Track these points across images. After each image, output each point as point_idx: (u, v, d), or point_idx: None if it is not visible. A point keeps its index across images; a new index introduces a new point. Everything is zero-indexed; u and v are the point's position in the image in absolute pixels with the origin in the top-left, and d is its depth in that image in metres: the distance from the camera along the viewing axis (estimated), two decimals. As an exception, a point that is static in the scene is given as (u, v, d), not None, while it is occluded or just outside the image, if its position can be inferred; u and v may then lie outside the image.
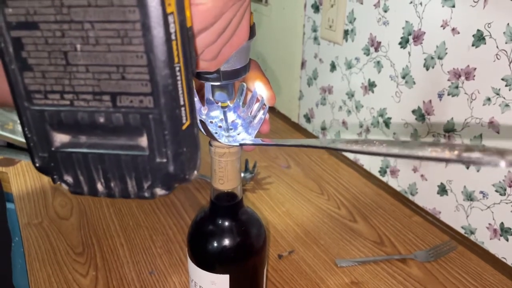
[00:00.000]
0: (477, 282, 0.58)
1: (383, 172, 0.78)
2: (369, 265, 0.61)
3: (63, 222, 0.68)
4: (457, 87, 0.60)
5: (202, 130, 0.34)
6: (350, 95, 0.81)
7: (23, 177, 0.79)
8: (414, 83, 0.67)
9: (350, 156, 0.85)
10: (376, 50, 0.72)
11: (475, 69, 0.58)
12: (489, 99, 0.57)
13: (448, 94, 0.62)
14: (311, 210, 0.72)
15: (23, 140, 0.87)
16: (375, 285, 0.57)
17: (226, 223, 0.37)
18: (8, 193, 0.82)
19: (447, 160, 0.22)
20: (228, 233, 0.37)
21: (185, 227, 0.68)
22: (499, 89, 0.55)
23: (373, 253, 0.63)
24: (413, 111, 0.68)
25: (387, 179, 0.77)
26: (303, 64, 0.92)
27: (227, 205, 0.37)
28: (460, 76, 0.60)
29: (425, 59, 0.64)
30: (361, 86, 0.78)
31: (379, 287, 0.57)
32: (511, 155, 0.19)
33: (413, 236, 0.66)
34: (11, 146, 0.93)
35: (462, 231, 0.65)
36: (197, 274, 0.38)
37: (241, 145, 0.34)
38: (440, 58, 0.62)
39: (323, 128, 0.91)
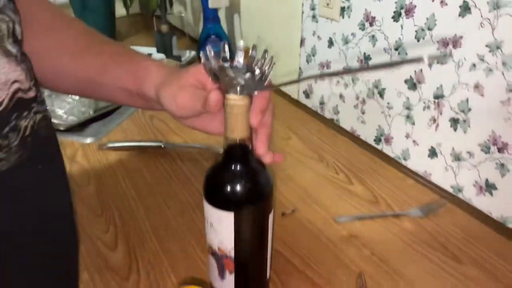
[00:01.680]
0: (465, 233, 0.63)
1: (378, 140, 0.83)
2: (365, 221, 0.66)
3: (82, 189, 0.74)
4: (445, 55, 0.65)
5: (215, 80, 0.39)
6: (347, 69, 0.86)
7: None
8: (406, 54, 0.72)
9: (347, 127, 0.90)
10: (371, 25, 0.77)
11: (461, 37, 0.62)
12: (474, 65, 0.62)
13: (438, 63, 0.67)
14: (311, 175, 0.78)
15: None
16: (371, 237, 0.63)
17: (235, 167, 0.43)
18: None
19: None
20: (236, 175, 0.43)
21: (196, 193, 0.73)
22: (484, 55, 0.60)
23: (369, 211, 0.68)
24: (406, 81, 0.73)
25: (382, 147, 0.82)
26: (302, 42, 0.97)
27: (237, 153, 0.42)
28: (448, 44, 0.65)
29: (416, 31, 0.69)
30: (357, 60, 0.83)
31: (375, 239, 0.63)
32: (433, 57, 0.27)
33: (406, 196, 0.72)
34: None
35: (451, 190, 0.70)
36: (208, 210, 0.43)
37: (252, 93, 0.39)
38: (430, 29, 0.67)
39: (322, 103, 0.96)
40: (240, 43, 0.41)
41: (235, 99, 0.39)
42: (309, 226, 0.65)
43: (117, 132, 0.92)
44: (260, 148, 0.44)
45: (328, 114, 0.95)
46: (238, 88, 0.39)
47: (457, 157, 0.68)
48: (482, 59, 0.60)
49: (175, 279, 0.56)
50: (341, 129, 0.92)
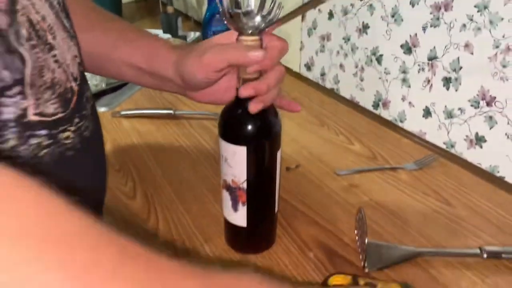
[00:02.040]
0: (457, 182, 0.69)
1: (376, 105, 0.88)
2: (364, 173, 0.71)
3: (99, 149, 0.79)
4: (438, 18, 0.70)
5: (230, 24, 0.44)
6: (347, 39, 0.91)
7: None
8: (402, 20, 0.77)
9: (347, 95, 0.95)
10: (369, -6, 0.82)
11: (452, 0, 0.67)
12: (464, 25, 0.67)
13: (431, 26, 0.72)
14: (313, 138, 0.83)
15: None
16: (369, 187, 0.68)
17: (247, 105, 0.47)
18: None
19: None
20: (248, 113, 0.47)
21: (206, 152, 0.78)
22: (472, 15, 0.65)
23: (367, 165, 0.74)
24: (401, 46, 0.78)
25: (380, 111, 0.87)
26: (303, 16, 1.02)
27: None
28: (440, 8, 0.69)
29: (410, -2, 0.74)
30: (356, 29, 0.87)
31: (373, 188, 0.68)
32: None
33: (402, 153, 0.77)
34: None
35: (444, 146, 0.76)
36: (223, 146, 0.48)
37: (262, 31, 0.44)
38: (423, -6, 0.72)
39: (323, 74, 1.01)
40: None
41: (247, 39, 0.44)
42: (312, 178, 0.71)
43: (129, 103, 0.97)
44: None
45: (328, 85, 1.00)
46: (250, 31, 0.44)
47: (449, 115, 0.73)
48: (471, 19, 0.65)
49: (190, 219, 0.61)
50: (341, 98, 0.97)
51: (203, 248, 0.56)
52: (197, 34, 1.37)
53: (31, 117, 0.35)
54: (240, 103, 0.48)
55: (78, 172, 0.42)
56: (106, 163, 0.51)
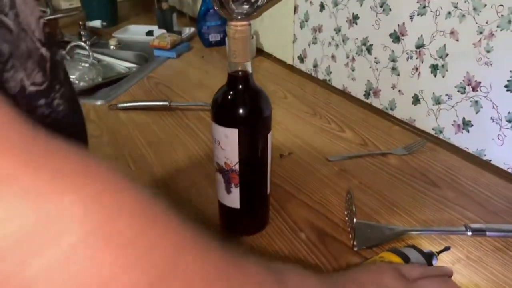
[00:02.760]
0: (444, 166, 0.71)
1: (367, 94, 0.90)
2: (355, 159, 0.73)
3: (95, 140, 0.81)
4: (424, 7, 0.72)
5: (220, 10, 0.46)
6: (337, 30, 0.92)
7: (56, 111, 0.91)
8: (390, 9, 0.79)
9: (339, 86, 0.97)
10: (358, -15, 0.84)
11: (437, -11, 0.69)
12: (449, 12, 0.68)
13: (418, 15, 0.74)
14: (305, 126, 0.85)
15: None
16: (360, 172, 0.70)
17: (238, 89, 0.49)
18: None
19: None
20: (239, 96, 0.49)
21: (201, 142, 0.80)
22: (457, 3, 0.67)
23: (358, 151, 0.76)
24: (390, 35, 0.80)
25: (371, 100, 0.89)
26: (295, 9, 1.03)
27: (239, 76, 0.49)
28: (426, -3, 0.71)
29: (398, -13, 0.76)
30: (346, 20, 0.89)
31: (363, 173, 0.70)
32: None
33: (392, 139, 0.79)
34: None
35: (432, 132, 0.78)
36: (215, 130, 0.50)
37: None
38: (410, -16, 0.74)
39: (315, 66, 1.03)
40: None
41: (236, 25, 0.46)
42: (304, 164, 0.72)
43: (125, 96, 0.99)
44: None
45: (321, 76, 1.02)
46: (239, 17, 0.46)
47: (437, 101, 0.75)
48: (456, 6, 0.67)
49: (186, 205, 0.63)
50: (333, 88, 0.98)
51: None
52: (192, 29, 1.38)
53: (29, 88, 0.34)
54: (231, 87, 0.50)
55: (72, 137, 0.42)
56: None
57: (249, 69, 0.49)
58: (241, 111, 0.49)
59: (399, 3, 0.77)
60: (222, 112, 0.50)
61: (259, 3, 0.47)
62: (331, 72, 0.98)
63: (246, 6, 0.46)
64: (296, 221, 0.59)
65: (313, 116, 0.88)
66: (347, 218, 0.59)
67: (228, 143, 0.50)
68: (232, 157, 0.51)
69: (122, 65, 1.25)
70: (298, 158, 0.74)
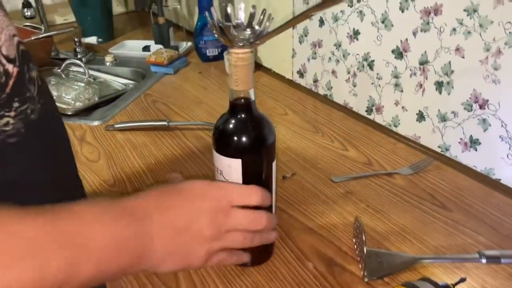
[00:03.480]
0: (452, 186, 0.69)
1: (369, 110, 0.88)
2: (360, 180, 0.71)
3: (93, 164, 0.78)
4: (428, 23, 0.71)
5: (220, 37, 0.44)
6: (338, 45, 0.91)
7: (51, 133, 0.89)
8: (392, 25, 0.77)
9: (340, 101, 0.95)
10: (359, 1, 0.82)
11: (442, 5, 0.68)
12: (454, 29, 0.67)
13: (421, 31, 0.72)
14: (307, 144, 0.82)
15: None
16: (366, 193, 0.68)
17: (240, 118, 0.47)
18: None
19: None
20: (241, 124, 0.47)
21: (201, 163, 0.78)
22: (462, 19, 0.65)
23: (363, 171, 0.73)
24: (392, 51, 0.78)
25: (373, 116, 0.87)
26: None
27: (242, 103, 0.47)
28: (430, 13, 0.70)
29: (400, 3, 0.74)
30: (347, 35, 0.88)
31: (369, 195, 0.68)
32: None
33: (397, 157, 0.77)
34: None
35: (438, 150, 0.76)
36: (218, 160, 0.48)
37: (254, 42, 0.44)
38: (412, 0, 0.72)
39: (315, 80, 1.01)
40: (242, 5, 0.46)
41: (238, 53, 0.44)
42: (308, 186, 0.70)
43: (122, 115, 0.97)
44: None
45: (321, 91, 1.00)
46: (241, 43, 0.44)
47: (443, 118, 0.73)
48: (461, 23, 0.66)
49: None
50: (334, 104, 0.97)
51: (200, 261, 0.56)
52: (189, 44, 1.37)
53: None
54: (233, 115, 0.48)
55: (28, 158, 0.40)
56: (68, 143, 0.49)
57: (252, 96, 0.47)
58: (244, 140, 0.47)
59: (401, 19, 0.75)
60: (225, 141, 0.48)
61: (262, 28, 0.45)
62: (331, 87, 0.97)
63: (248, 33, 0.44)
64: (303, 249, 0.57)
65: (315, 134, 0.86)
66: (355, 246, 0.56)
67: (231, 173, 0.48)
68: None
69: (118, 82, 1.23)
70: (302, 179, 0.72)
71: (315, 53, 0.98)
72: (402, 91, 0.79)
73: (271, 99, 1.02)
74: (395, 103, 0.82)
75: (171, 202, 0.42)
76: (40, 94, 0.41)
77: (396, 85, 0.80)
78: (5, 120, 0.36)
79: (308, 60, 1.01)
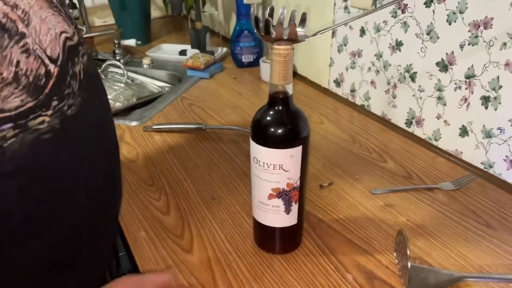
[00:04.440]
0: (496, 204, 0.66)
1: (409, 123, 0.87)
2: (400, 193, 0.70)
3: (131, 163, 0.79)
4: (476, 36, 0.69)
5: (262, 34, 0.45)
6: (379, 55, 0.90)
7: (91, 131, 0.91)
8: (438, 37, 0.76)
9: (378, 112, 0.94)
10: (403, 12, 0.81)
11: (492, 18, 0.66)
12: (505, 43, 0.65)
13: (469, 44, 0.71)
14: (345, 154, 0.82)
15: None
16: (406, 207, 0.67)
17: (288, 110, 0.50)
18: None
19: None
20: (294, 115, 0.50)
21: (237, 167, 0.78)
22: (514, 34, 0.64)
23: (403, 184, 0.72)
24: (437, 63, 0.77)
25: (413, 129, 0.86)
26: (333, 33, 1.01)
27: (287, 97, 0.49)
28: (479, 26, 0.68)
29: (447, 15, 0.73)
30: (388, 46, 0.87)
31: (409, 208, 0.66)
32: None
33: (438, 172, 0.75)
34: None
35: (481, 167, 0.74)
36: (278, 155, 0.49)
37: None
38: (461, 12, 0.71)
39: (353, 90, 1.00)
40: (284, 9, 0.47)
41: (280, 48, 0.45)
42: (346, 196, 0.69)
43: (159, 117, 0.98)
44: None
45: (359, 101, 0.99)
46: (285, 38, 0.46)
47: (488, 134, 0.71)
48: (512, 37, 0.64)
49: (223, 236, 0.61)
50: (372, 114, 0.95)
51: (238, 267, 0.56)
52: (224, 49, 1.38)
53: None
54: (282, 109, 0.50)
55: (65, 152, 0.40)
56: (114, 136, 0.49)
57: (290, 91, 0.49)
58: (300, 128, 0.50)
59: (448, 32, 0.74)
60: (287, 135, 0.50)
61: (305, 25, 0.46)
62: (369, 98, 0.96)
63: (290, 29, 0.46)
64: (342, 260, 0.56)
65: (353, 144, 0.85)
66: (397, 260, 0.55)
67: (292, 163, 0.50)
68: (295, 175, 0.51)
69: (154, 84, 1.25)
70: (339, 189, 0.71)
71: (354, 62, 0.97)
72: (445, 105, 0.78)
73: (306, 107, 1.01)
74: (436, 117, 0.80)
75: None
76: (81, 88, 0.41)
77: (439, 98, 0.78)
78: (40, 119, 0.37)
79: (346, 69, 1.00)
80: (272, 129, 0.49)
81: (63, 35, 0.40)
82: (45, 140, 0.37)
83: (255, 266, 0.56)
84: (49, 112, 0.37)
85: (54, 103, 0.38)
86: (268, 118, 0.50)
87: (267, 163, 0.50)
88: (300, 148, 0.49)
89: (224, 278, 0.54)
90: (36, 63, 0.36)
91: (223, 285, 0.53)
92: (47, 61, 0.37)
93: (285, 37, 0.46)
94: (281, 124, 0.49)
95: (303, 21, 0.47)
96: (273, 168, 0.50)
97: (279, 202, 0.52)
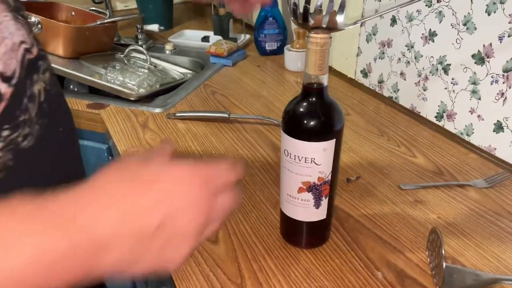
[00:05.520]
0: (531, 204, 0.64)
1: (439, 117, 0.84)
2: (430, 189, 0.68)
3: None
4: (516, 27, 0.66)
5: (298, 21, 0.43)
6: (410, 46, 0.87)
7: (115, 118, 0.90)
8: (476, 28, 0.73)
9: (407, 105, 0.91)
10: (438, 1, 0.78)
11: (536, 9, 0.63)
12: (549, 36, 0.62)
13: (509, 36, 0.67)
14: (372, 147, 0.80)
15: (110, 85, 0.98)
16: (437, 204, 0.64)
17: (323, 102, 0.48)
18: (96, 132, 0.93)
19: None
20: (329, 108, 0.49)
21: (261, 157, 0.76)
22: (560, 26, 0.60)
23: (433, 180, 0.70)
24: (473, 55, 0.74)
25: (443, 123, 0.83)
26: (362, 22, 0.98)
27: (323, 88, 0.48)
28: (521, 17, 0.65)
29: (487, 5, 0.70)
30: (421, 36, 0.84)
31: (440, 206, 0.64)
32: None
33: (470, 168, 0.73)
34: (93, 92, 1.05)
35: (517, 164, 0.71)
36: (310, 149, 0.48)
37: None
38: (502, 2, 0.67)
39: (380, 81, 0.97)
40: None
41: (317, 37, 0.44)
42: (374, 191, 0.68)
43: (183, 104, 0.97)
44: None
45: (386, 93, 0.96)
46: (324, 26, 0.44)
47: (525, 131, 0.68)
48: (558, 29, 0.60)
49: (249, 228, 0.60)
50: (400, 107, 0.93)
51: (264, 259, 0.55)
52: (247, 36, 1.36)
53: None
54: (315, 101, 0.48)
55: (18, 190, 0.30)
56: (78, 156, 0.41)
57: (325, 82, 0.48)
58: (334, 121, 0.49)
59: (486, 22, 0.70)
60: (321, 128, 0.48)
61: (342, 13, 0.44)
62: (398, 90, 0.93)
63: (328, 17, 0.44)
64: (371, 257, 0.55)
65: (380, 137, 0.83)
66: (428, 259, 0.54)
67: (325, 157, 0.48)
68: (327, 169, 0.50)
69: (177, 71, 1.23)
70: (367, 184, 0.69)
71: (383, 53, 0.94)
72: (479, 99, 0.75)
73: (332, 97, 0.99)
74: (470, 111, 0.77)
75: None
76: (41, 112, 0.34)
77: (474, 92, 0.75)
78: None
79: (375, 59, 0.97)
80: (305, 121, 0.47)
81: (23, 46, 0.32)
82: None
83: (281, 259, 0.55)
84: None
85: (5, 133, 0.31)
86: (301, 109, 0.48)
87: (298, 156, 0.48)
88: (333, 141, 0.48)
89: (250, 270, 0.53)
90: None
91: (249, 278, 0.52)
92: None
93: (324, 25, 0.44)
94: (314, 116, 0.48)
95: (341, 8, 0.45)
96: (305, 161, 0.48)
97: (309, 196, 0.51)
